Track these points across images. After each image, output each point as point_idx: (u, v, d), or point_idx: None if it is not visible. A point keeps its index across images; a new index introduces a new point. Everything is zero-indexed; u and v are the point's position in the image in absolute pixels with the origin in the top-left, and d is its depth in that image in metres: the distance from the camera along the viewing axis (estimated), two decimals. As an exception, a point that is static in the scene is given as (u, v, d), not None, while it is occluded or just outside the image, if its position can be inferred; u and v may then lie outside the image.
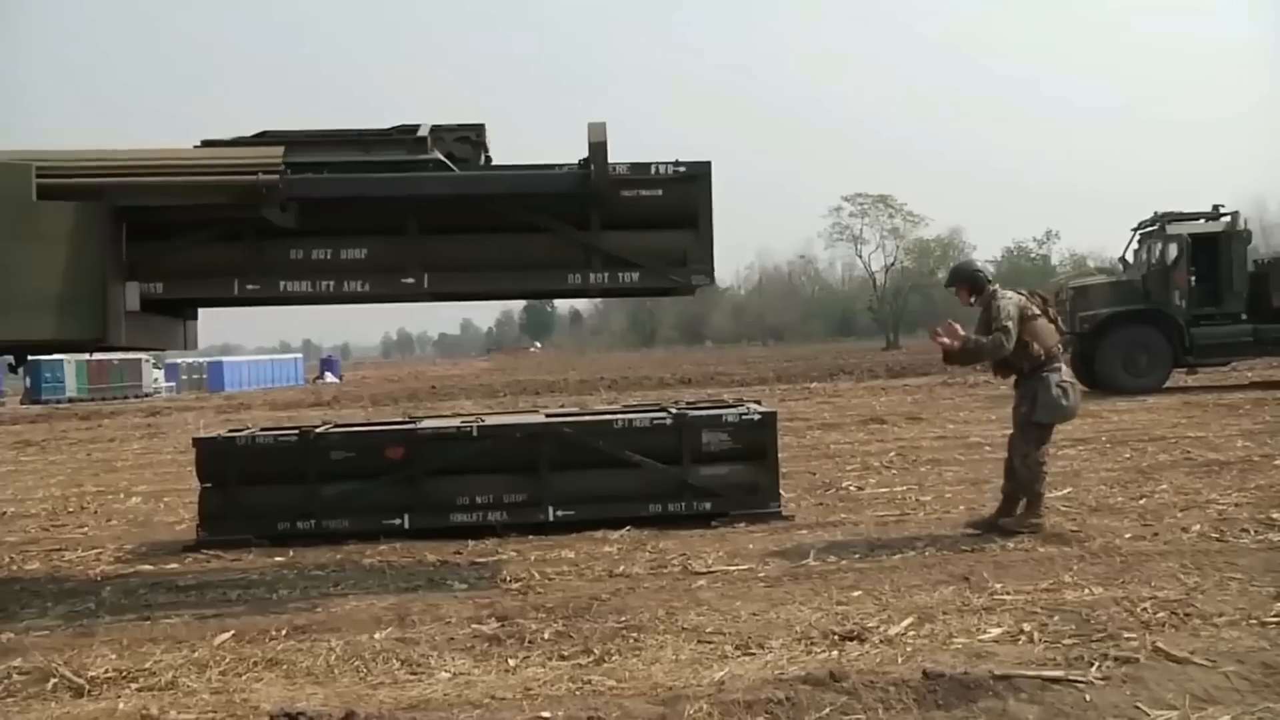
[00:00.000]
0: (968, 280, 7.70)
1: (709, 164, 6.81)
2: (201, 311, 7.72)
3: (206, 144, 6.63)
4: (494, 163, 6.99)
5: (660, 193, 6.75)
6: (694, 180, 6.78)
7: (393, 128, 6.71)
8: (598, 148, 6.47)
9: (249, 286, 6.68)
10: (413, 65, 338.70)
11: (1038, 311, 7.48)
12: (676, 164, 6.76)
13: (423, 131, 6.65)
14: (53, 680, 4.90)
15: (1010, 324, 7.31)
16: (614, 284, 6.86)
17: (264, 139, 6.65)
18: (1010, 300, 7.46)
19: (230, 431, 8.99)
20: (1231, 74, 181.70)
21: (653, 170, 6.74)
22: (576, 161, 6.68)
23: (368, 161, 6.58)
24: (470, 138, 6.78)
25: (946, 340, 7.54)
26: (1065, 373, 7.46)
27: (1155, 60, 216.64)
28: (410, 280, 6.73)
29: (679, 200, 6.79)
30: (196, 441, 8.62)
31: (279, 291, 6.73)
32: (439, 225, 6.76)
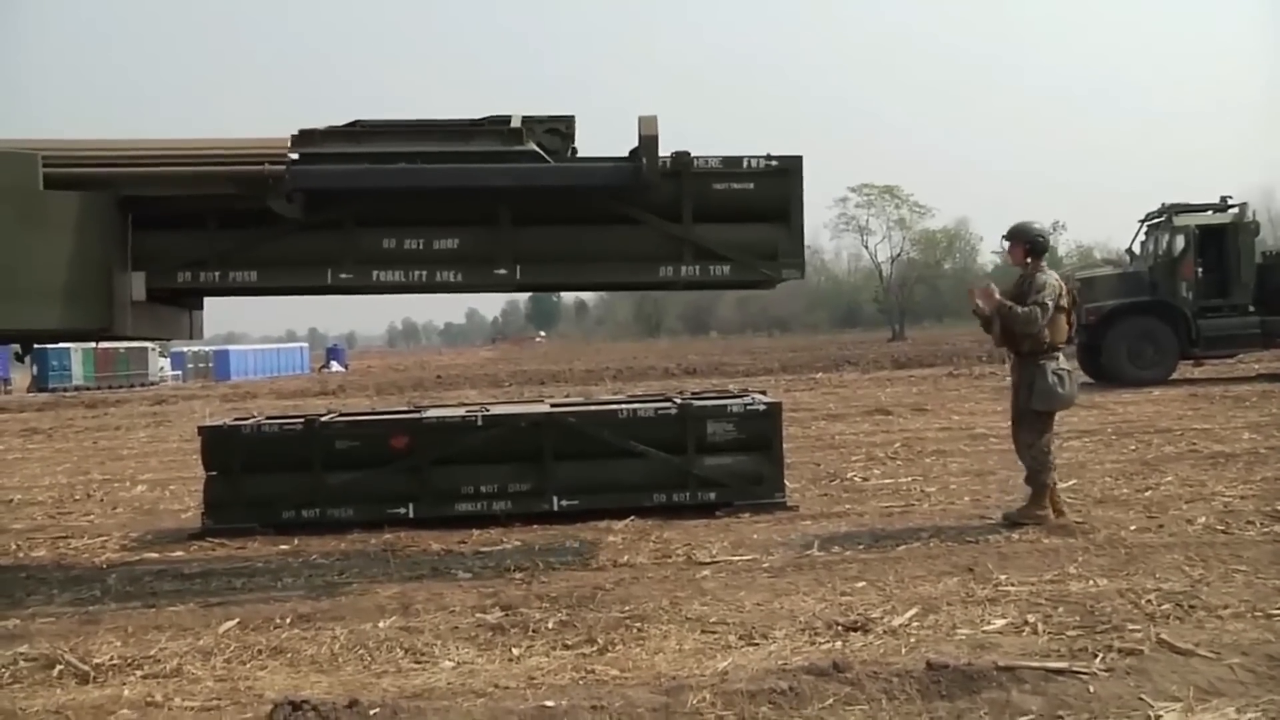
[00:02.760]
0: (1029, 240, 7.61)
1: (800, 158, 6.86)
2: (207, 300, 7.73)
3: (304, 133, 6.60)
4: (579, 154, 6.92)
5: (752, 186, 6.79)
6: (786, 174, 6.84)
7: (484, 118, 6.69)
8: (649, 140, 6.47)
9: (342, 276, 6.71)
10: (408, 59, 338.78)
11: (1065, 305, 7.47)
12: (768, 157, 6.81)
13: (515, 123, 6.63)
14: (58, 667, 4.92)
15: (1049, 302, 7.30)
16: (705, 277, 6.91)
17: (357, 128, 6.65)
18: (1054, 279, 7.47)
19: (235, 420, 9.00)
20: (1240, 64, 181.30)
21: (745, 164, 6.78)
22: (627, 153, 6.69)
23: (464, 152, 6.57)
24: (560, 129, 6.75)
25: (980, 303, 7.54)
26: (1063, 362, 7.46)
27: (1164, 50, 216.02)
28: (503, 271, 6.76)
29: (770, 193, 6.83)
30: (202, 430, 8.63)
31: (372, 281, 6.75)
32: (530, 216, 6.78)
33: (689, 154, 6.72)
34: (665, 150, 6.60)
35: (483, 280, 6.91)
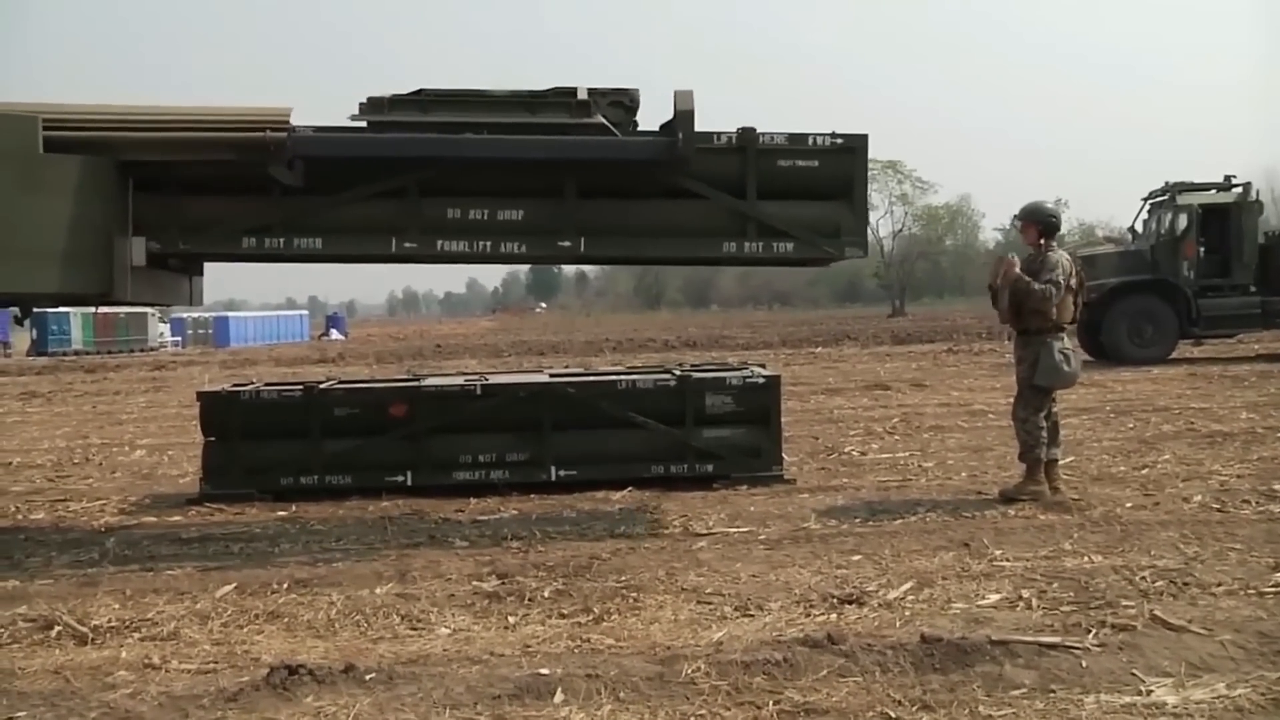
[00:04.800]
0: (1042, 221, 7.67)
1: (866, 136, 6.89)
2: (208, 266, 7.72)
3: (372, 101, 6.59)
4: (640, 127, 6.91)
5: (816, 164, 6.82)
6: (851, 152, 6.88)
7: (549, 89, 6.68)
8: (685, 116, 6.47)
9: (407, 245, 6.73)
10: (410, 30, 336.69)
11: (1074, 286, 7.48)
12: (833, 135, 6.84)
13: (582, 95, 6.62)
14: (57, 628, 4.94)
15: (1062, 279, 7.35)
16: (768, 253, 6.94)
17: (420, 97, 6.62)
18: (1065, 259, 7.53)
19: (234, 386, 9.00)
20: (1246, 41, 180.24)
21: (810, 141, 6.81)
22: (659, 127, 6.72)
23: (530, 124, 6.57)
24: (624, 102, 6.74)
25: (1000, 276, 7.53)
26: (1068, 341, 7.49)
27: (1170, 27, 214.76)
28: (567, 244, 6.80)
29: (835, 171, 6.87)
30: (201, 395, 8.63)
31: (436, 250, 6.79)
32: (596, 189, 6.80)
33: (755, 130, 6.74)
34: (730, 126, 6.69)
35: (547, 252, 6.98)
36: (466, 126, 6.52)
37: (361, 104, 6.57)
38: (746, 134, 6.72)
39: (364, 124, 6.56)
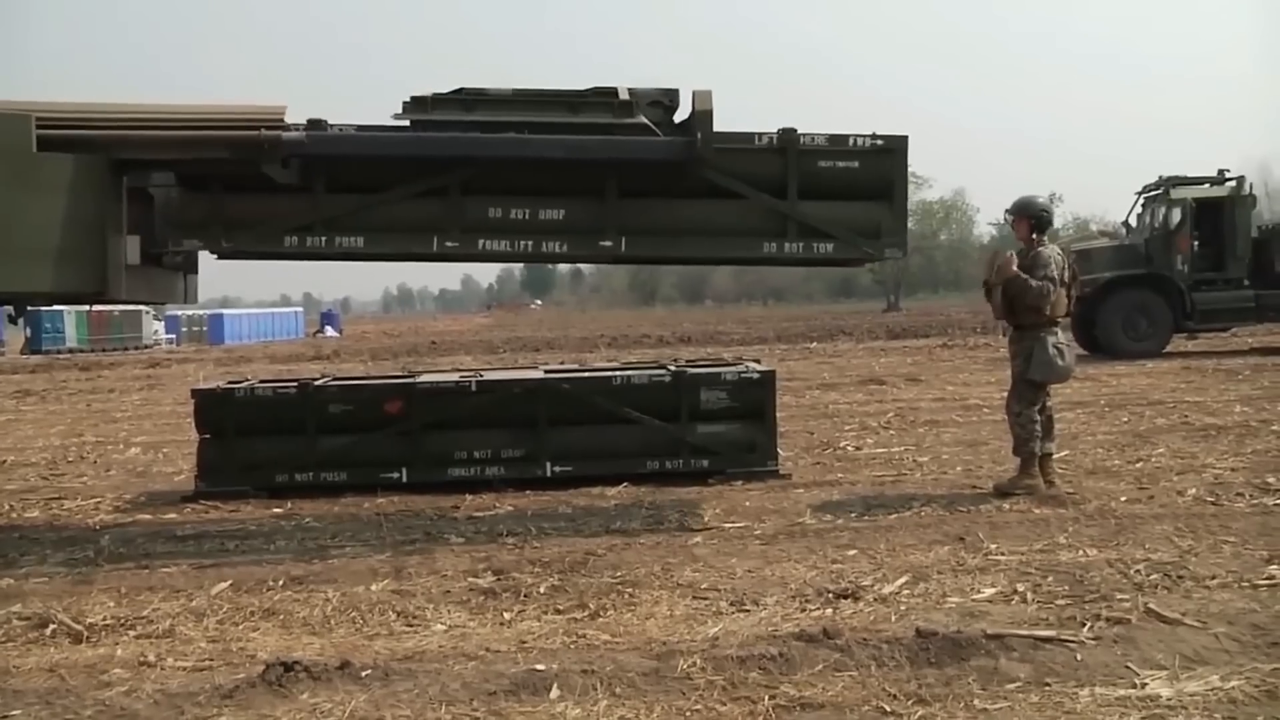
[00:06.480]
0: (1034, 215, 7.68)
1: (906, 138, 6.92)
2: (202, 264, 7.71)
3: (415, 100, 6.59)
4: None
5: (856, 164, 6.87)
6: (891, 153, 6.91)
7: (589, 89, 6.70)
8: (703, 115, 6.49)
9: (448, 244, 6.77)
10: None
11: (1066, 280, 7.50)
12: (874, 136, 6.87)
13: (623, 95, 6.63)
14: (52, 626, 4.94)
15: (1056, 274, 7.37)
16: (808, 254, 6.99)
17: (461, 96, 6.63)
18: (1057, 254, 7.55)
19: (229, 383, 8.99)
20: (1241, 36, 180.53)
21: (850, 142, 6.85)
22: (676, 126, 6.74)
23: (573, 123, 6.59)
24: (663, 102, 6.77)
25: (994, 275, 7.54)
26: (1062, 336, 7.51)
27: (1166, 21, 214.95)
28: (608, 243, 6.84)
29: (875, 172, 6.91)
30: (195, 393, 8.62)
31: (477, 249, 6.84)
32: (637, 189, 6.83)
33: (795, 131, 6.77)
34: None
35: (588, 252, 7.07)
36: (508, 126, 6.54)
37: (405, 103, 6.60)
38: (787, 135, 6.76)
39: (407, 122, 6.58)
